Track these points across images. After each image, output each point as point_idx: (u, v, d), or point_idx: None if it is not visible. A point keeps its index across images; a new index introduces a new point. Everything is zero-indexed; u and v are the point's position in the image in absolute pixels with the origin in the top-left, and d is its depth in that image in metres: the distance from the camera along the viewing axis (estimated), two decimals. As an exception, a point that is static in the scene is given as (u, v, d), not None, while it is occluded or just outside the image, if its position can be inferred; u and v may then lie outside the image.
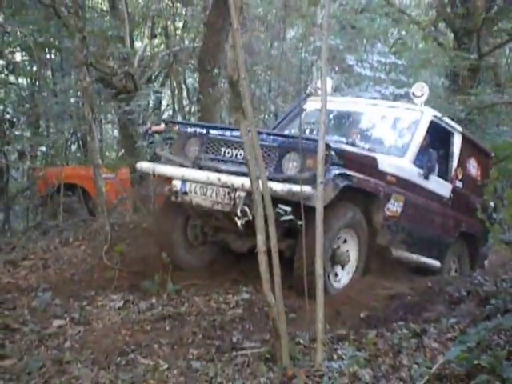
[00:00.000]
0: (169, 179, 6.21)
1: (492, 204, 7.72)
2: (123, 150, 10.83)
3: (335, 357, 3.63)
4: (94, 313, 4.82)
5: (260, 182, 3.43)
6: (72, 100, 13.19)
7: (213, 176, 5.70)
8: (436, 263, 7.26)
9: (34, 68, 12.81)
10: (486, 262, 8.43)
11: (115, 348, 4.08)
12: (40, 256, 6.72)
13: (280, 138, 5.87)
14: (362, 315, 4.97)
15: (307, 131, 7.34)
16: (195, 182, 5.85)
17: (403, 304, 5.13)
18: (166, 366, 3.81)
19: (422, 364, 3.43)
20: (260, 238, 3.34)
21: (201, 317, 4.72)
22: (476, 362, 3.22)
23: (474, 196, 7.51)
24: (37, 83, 12.72)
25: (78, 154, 14.34)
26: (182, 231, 6.53)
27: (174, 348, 4.15)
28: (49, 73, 13.64)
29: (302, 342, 4.02)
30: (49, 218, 8.95)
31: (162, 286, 5.39)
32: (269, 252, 3.46)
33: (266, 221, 3.48)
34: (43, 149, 12.35)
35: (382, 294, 5.69)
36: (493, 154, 7.80)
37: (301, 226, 3.81)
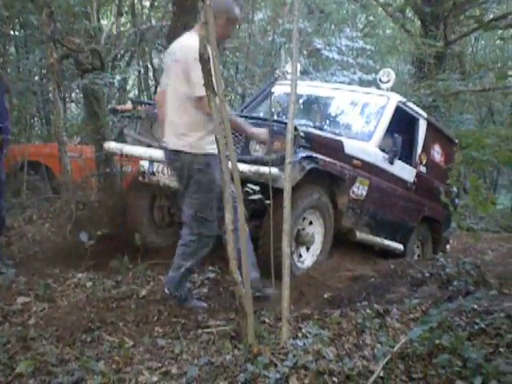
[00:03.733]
0: (135, 159, 6.21)
1: (455, 189, 7.85)
2: (88, 129, 10.71)
3: (300, 335, 3.66)
4: (59, 290, 4.80)
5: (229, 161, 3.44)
6: (36, 77, 13.02)
7: (180, 156, 5.69)
8: (399, 246, 7.36)
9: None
10: (448, 246, 8.57)
11: (80, 325, 4.07)
12: (3, 233, 6.65)
13: (247, 120, 5.88)
14: (325, 296, 5.03)
15: (275, 115, 7.36)
16: (163, 162, 5.85)
17: (366, 285, 5.20)
18: (132, 343, 3.81)
19: (384, 343, 3.48)
20: (228, 217, 3.36)
21: (166, 295, 4.73)
22: (437, 341, 3.28)
23: (438, 181, 7.62)
24: (0, 59, 12.52)
25: (41, 132, 14.17)
26: (149, 212, 6.52)
27: (140, 326, 4.16)
28: (12, 49, 13.43)
29: (267, 320, 4.07)
30: (12, 196, 8.85)
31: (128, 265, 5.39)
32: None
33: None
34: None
35: (345, 276, 5.77)
36: (457, 141, 7.91)
37: (268, 205, 3.83)
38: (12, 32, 12.55)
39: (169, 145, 4.58)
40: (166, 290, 4.63)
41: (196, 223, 4.53)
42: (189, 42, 4.31)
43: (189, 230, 4.58)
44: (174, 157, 4.56)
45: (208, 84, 3.23)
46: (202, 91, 3.69)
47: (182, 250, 4.60)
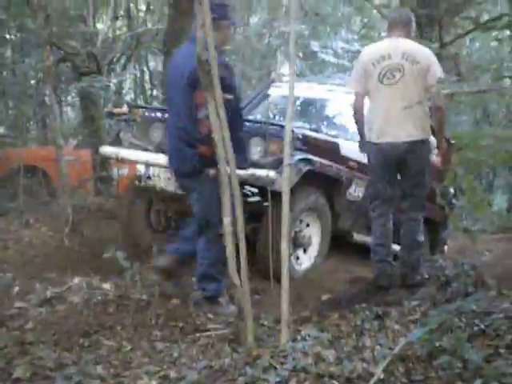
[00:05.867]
0: (131, 163, 6.21)
1: (452, 190, 7.83)
2: (84, 132, 10.71)
3: (299, 338, 3.65)
4: (56, 294, 4.77)
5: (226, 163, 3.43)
6: (32, 81, 13.02)
7: (177, 160, 5.68)
8: (397, 248, 7.33)
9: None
10: (445, 247, 8.55)
11: (78, 329, 4.04)
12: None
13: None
14: (323, 298, 5.02)
15: (271, 117, 7.36)
16: (159, 166, 5.84)
17: (365, 287, 5.19)
18: (130, 347, 3.79)
19: (384, 345, 3.47)
20: (226, 220, 3.35)
21: (164, 299, 4.71)
22: (438, 343, 3.26)
23: (435, 182, 7.59)
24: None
25: (37, 135, 14.16)
26: (145, 216, 6.52)
27: (138, 329, 4.13)
28: (8, 53, 13.42)
29: (265, 323, 4.05)
30: (8, 200, 8.84)
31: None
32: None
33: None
34: (1, 130, 12.18)
35: (343, 278, 5.76)
36: (453, 142, 7.89)
37: (267, 207, 3.84)
38: (8, 36, 12.54)
39: (400, 137, 5.06)
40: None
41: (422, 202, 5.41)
42: (421, 48, 5.17)
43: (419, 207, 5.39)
44: (408, 147, 5.06)
45: (208, 86, 3.22)
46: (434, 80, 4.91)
47: (414, 227, 5.35)
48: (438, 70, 5.02)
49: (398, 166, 5.12)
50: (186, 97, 4.52)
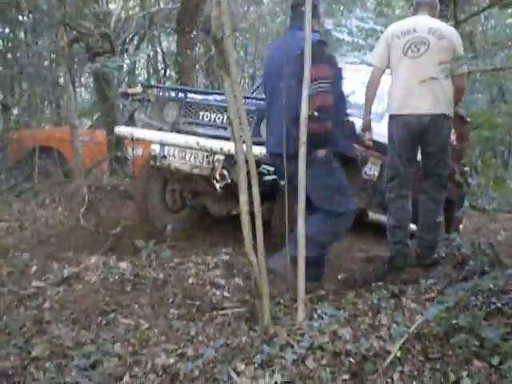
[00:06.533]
0: (145, 143, 6.21)
1: (467, 169, 7.77)
2: (99, 113, 10.71)
3: (315, 316, 3.65)
4: (73, 274, 4.80)
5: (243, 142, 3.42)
6: (46, 62, 13.03)
7: (191, 140, 5.68)
8: (413, 226, 7.31)
9: (7, 29, 12.62)
10: (461, 226, 8.51)
11: (95, 308, 4.08)
12: (16, 218, 6.67)
13: (258, 102, 5.84)
14: (339, 277, 5.02)
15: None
16: (174, 145, 5.84)
17: (381, 266, 5.18)
18: (147, 325, 3.82)
19: (401, 323, 3.47)
20: (243, 199, 3.34)
21: (180, 277, 4.73)
22: (454, 321, 3.26)
23: (451, 161, 7.55)
24: (9, 44, 12.54)
25: (51, 116, 14.19)
26: (161, 195, 6.53)
27: (155, 308, 4.16)
28: (21, 34, 13.43)
29: (281, 302, 4.06)
30: (24, 181, 8.90)
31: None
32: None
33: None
34: (15, 111, 12.22)
35: (359, 257, 5.75)
36: (469, 120, 7.83)
37: (282, 186, 3.84)
38: (21, 17, 12.54)
39: (421, 110, 5.06)
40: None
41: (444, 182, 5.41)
42: (447, 26, 5.25)
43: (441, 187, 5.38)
44: (430, 121, 5.03)
45: (222, 64, 3.20)
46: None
47: (434, 207, 5.38)
48: (461, 52, 5.05)
49: (418, 140, 5.07)
50: (297, 76, 4.13)
